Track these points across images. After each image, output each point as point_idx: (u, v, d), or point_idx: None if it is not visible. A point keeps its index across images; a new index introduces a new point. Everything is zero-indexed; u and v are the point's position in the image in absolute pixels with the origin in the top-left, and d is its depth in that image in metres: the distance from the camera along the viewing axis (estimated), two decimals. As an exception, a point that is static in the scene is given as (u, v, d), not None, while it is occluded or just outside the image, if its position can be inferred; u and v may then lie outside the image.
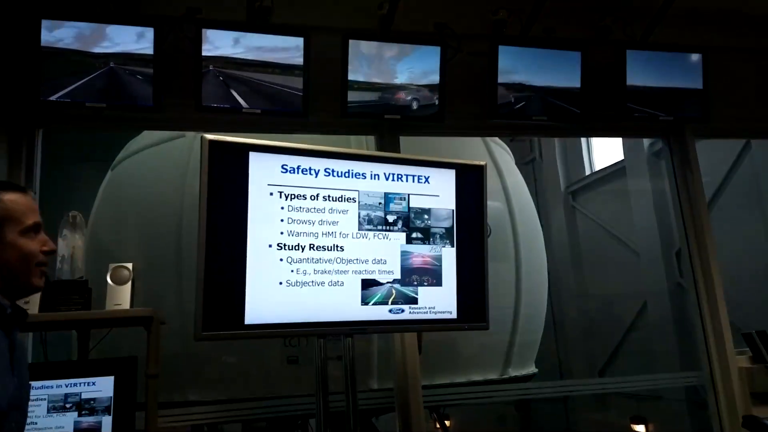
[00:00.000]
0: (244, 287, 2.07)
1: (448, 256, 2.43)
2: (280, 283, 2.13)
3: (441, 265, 2.42)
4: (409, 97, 2.97)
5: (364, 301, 2.27)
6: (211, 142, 2.09)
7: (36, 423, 2.11)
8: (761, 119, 3.68)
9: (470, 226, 2.49)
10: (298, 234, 2.18)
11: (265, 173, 2.16)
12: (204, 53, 2.69)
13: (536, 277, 3.99)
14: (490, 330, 2.54)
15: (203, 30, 2.68)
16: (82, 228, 2.57)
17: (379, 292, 2.30)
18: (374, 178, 2.34)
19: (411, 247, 2.37)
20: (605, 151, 7.13)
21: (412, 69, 2.96)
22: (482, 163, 2.58)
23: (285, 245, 2.15)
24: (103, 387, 2.20)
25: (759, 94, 3.65)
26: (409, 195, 2.39)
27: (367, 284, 2.28)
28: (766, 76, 3.67)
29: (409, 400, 2.82)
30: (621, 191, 6.51)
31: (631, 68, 3.22)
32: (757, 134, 4.12)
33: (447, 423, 4.65)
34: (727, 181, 5.17)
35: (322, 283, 2.20)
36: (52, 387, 2.17)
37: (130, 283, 2.39)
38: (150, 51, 2.66)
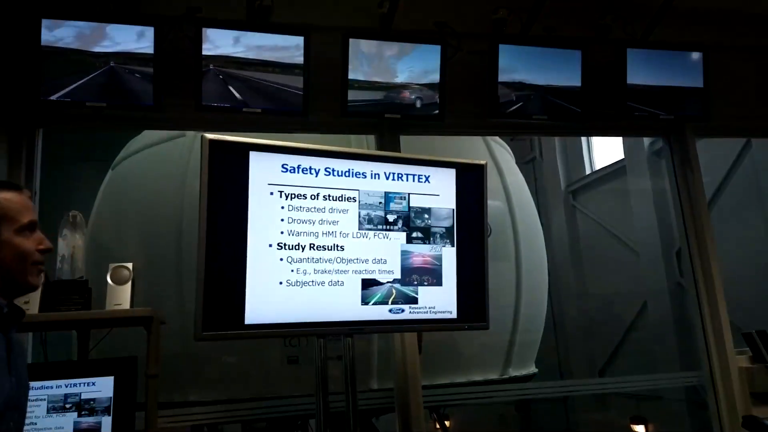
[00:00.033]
0: (245, 287, 2.07)
1: (449, 255, 2.43)
2: (281, 283, 2.13)
3: (441, 265, 2.41)
4: (409, 96, 2.96)
5: (364, 301, 2.27)
6: (212, 141, 2.08)
7: (35, 423, 2.11)
8: (761, 118, 3.68)
9: (470, 226, 2.49)
10: (299, 233, 2.17)
11: (265, 173, 2.16)
12: (204, 52, 2.68)
13: (536, 276, 3.99)
14: (490, 330, 2.54)
15: (203, 29, 2.68)
16: (82, 228, 2.57)
17: (379, 292, 2.29)
18: (374, 178, 2.34)
19: (411, 247, 2.37)
20: (605, 151, 7.13)
21: (412, 68, 2.96)
22: (482, 162, 2.58)
23: (285, 245, 2.15)
24: (102, 387, 2.19)
25: (759, 92, 3.65)
26: (409, 194, 2.39)
27: (367, 284, 2.28)
28: (766, 75, 3.67)
29: (409, 400, 2.82)
30: (621, 190, 6.51)
31: (632, 67, 3.21)
32: (758, 133, 4.12)
33: (447, 423, 4.65)
34: (727, 180, 5.16)
35: (323, 283, 2.20)
36: (51, 387, 2.16)
37: (130, 283, 2.39)
38: (150, 50, 2.66)
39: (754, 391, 3.21)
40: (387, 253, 2.32)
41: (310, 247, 2.19)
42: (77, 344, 2.57)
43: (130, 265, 2.41)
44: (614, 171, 6.74)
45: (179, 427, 2.74)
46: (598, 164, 7.26)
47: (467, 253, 2.46)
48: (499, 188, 3.80)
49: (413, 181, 2.40)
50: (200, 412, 2.82)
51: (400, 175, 2.38)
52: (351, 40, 2.85)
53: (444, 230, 2.43)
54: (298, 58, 2.81)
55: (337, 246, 2.24)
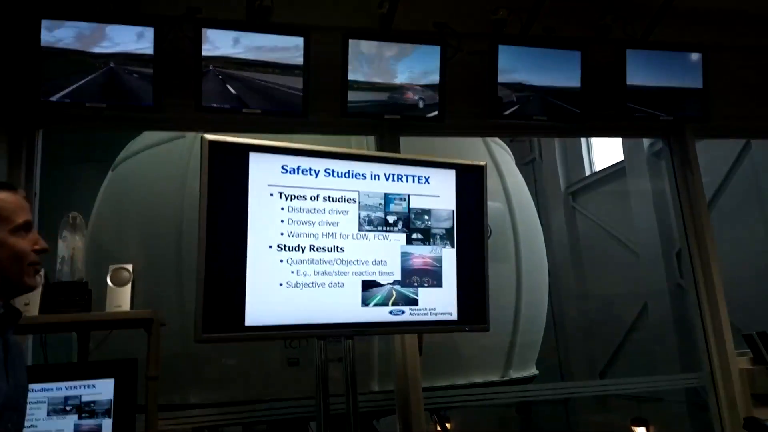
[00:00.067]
0: (245, 288, 2.06)
1: (449, 256, 2.43)
2: (281, 285, 2.13)
3: (441, 266, 2.41)
4: (409, 97, 2.96)
5: (365, 303, 2.26)
6: (212, 142, 2.08)
7: (36, 426, 2.10)
8: (761, 118, 3.68)
9: (470, 227, 2.48)
10: (299, 235, 2.17)
11: (265, 174, 2.15)
12: (204, 53, 2.68)
13: (537, 277, 3.98)
14: (490, 331, 2.53)
15: (203, 30, 2.68)
16: (82, 229, 2.56)
17: (379, 294, 2.29)
18: (374, 179, 2.33)
19: (411, 248, 2.36)
20: (605, 152, 7.12)
21: (412, 69, 2.96)
22: (482, 163, 2.57)
23: (285, 246, 2.14)
24: (103, 389, 2.19)
25: (759, 93, 3.65)
26: (409, 195, 2.38)
27: (368, 285, 2.27)
28: (766, 75, 3.67)
29: (410, 402, 2.81)
30: (621, 192, 6.50)
31: (631, 68, 3.21)
32: (757, 134, 4.12)
33: (448, 425, 4.64)
34: (727, 181, 5.16)
35: (323, 285, 2.19)
36: (52, 390, 2.16)
37: (130, 284, 2.38)
38: (150, 51, 2.66)
39: (755, 392, 3.20)
40: (387, 254, 2.32)
41: (310, 248, 2.19)
42: (77, 346, 2.57)
43: (130, 267, 2.41)
44: (614, 172, 6.74)
45: (180, 430, 2.73)
46: (598, 165, 7.25)
47: (467, 255, 2.46)
48: (499, 189, 3.80)
49: (413, 182, 2.40)
50: (200, 414, 2.82)
51: (400, 176, 2.38)
52: (351, 41, 2.85)
53: (444, 231, 2.43)
54: (298, 59, 2.80)
55: (337, 247, 2.23)
